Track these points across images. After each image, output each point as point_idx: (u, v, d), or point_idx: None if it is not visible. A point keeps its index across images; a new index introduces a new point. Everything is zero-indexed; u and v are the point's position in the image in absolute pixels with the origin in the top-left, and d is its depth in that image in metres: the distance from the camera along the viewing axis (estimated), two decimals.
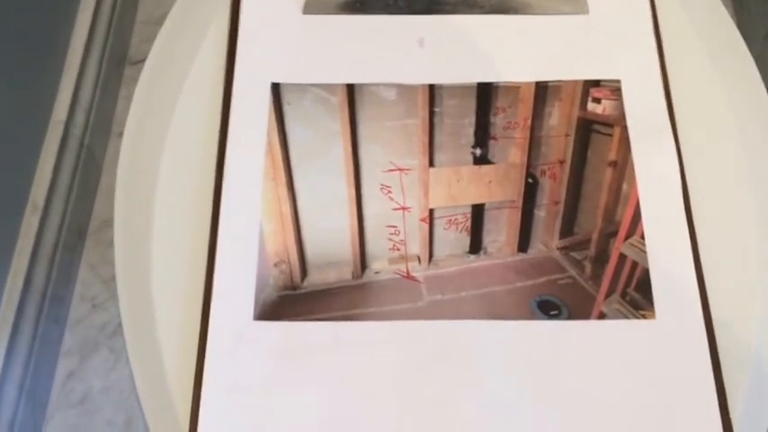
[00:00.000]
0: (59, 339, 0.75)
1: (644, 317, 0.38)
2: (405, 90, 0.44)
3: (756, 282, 0.39)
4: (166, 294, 0.38)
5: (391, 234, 0.41)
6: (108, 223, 0.80)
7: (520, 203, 0.42)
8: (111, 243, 0.81)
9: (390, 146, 0.42)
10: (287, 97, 0.43)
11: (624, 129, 0.42)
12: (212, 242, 0.39)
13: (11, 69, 0.69)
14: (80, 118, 0.79)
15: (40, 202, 0.72)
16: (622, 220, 0.41)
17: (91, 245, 0.79)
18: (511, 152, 0.43)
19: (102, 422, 0.70)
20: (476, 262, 0.40)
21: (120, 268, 0.39)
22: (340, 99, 0.43)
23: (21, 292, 0.68)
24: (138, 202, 0.41)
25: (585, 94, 0.44)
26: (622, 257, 0.40)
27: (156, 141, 0.42)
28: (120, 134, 0.87)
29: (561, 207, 0.42)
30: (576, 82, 0.44)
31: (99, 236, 0.80)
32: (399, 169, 0.42)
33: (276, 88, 0.43)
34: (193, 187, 0.41)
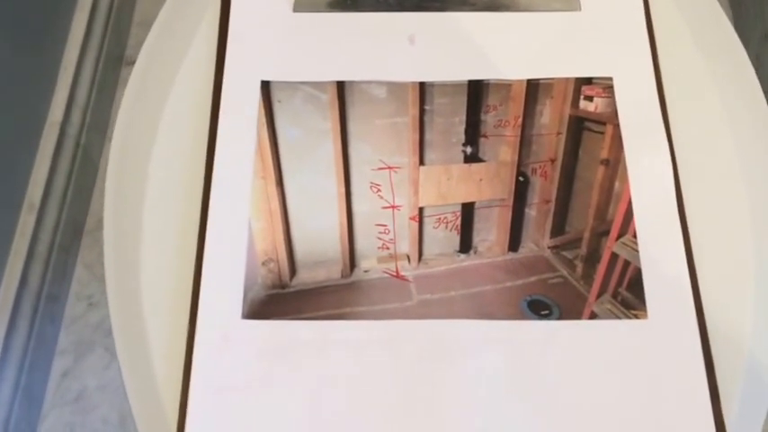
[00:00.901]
0: (55, 338, 0.75)
1: (636, 317, 0.38)
2: (395, 88, 0.43)
3: (750, 281, 0.38)
4: (155, 293, 0.38)
5: (380, 233, 0.40)
6: None
7: (510, 202, 0.41)
8: None
9: (380, 144, 0.42)
10: (277, 95, 0.43)
11: (616, 127, 0.42)
12: (201, 241, 0.39)
13: (7, 69, 0.69)
14: (76, 118, 0.79)
15: (36, 202, 0.72)
16: (614, 219, 0.40)
17: (87, 244, 0.80)
18: (502, 150, 0.43)
19: (97, 420, 0.70)
20: (466, 261, 0.40)
21: (110, 268, 0.39)
22: (330, 97, 0.43)
23: (16, 291, 0.69)
24: (127, 201, 0.41)
25: (577, 91, 0.43)
26: (614, 256, 0.39)
27: (145, 140, 0.42)
28: None
29: (552, 206, 0.41)
30: (567, 79, 0.43)
31: (96, 235, 0.80)
32: (389, 167, 0.42)
33: (266, 86, 0.43)
34: (183, 185, 0.41)
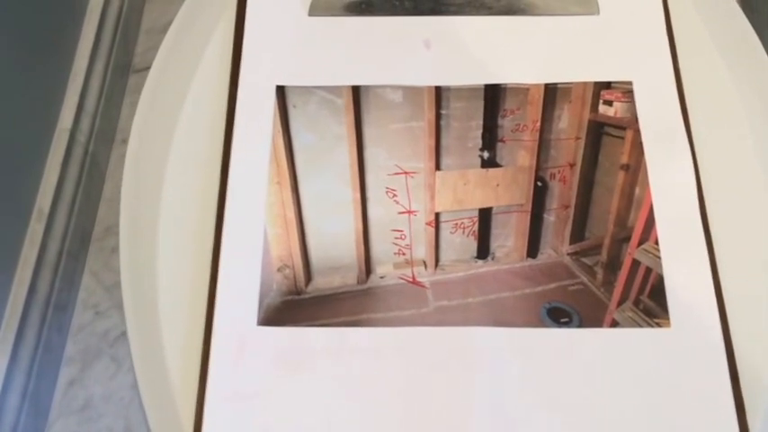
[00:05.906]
0: (62, 347, 0.74)
1: (658, 325, 0.37)
2: (411, 92, 0.43)
3: None
4: (171, 300, 0.38)
5: (396, 238, 0.40)
6: (111, 230, 0.80)
7: (529, 207, 0.41)
8: (113, 250, 0.81)
9: (396, 149, 0.42)
10: (293, 100, 0.43)
11: (637, 131, 0.41)
12: (217, 247, 0.38)
13: (18, 77, 0.70)
14: (85, 125, 0.79)
15: (46, 209, 0.72)
16: (635, 225, 0.40)
17: (94, 252, 0.79)
18: (519, 155, 0.42)
19: (102, 429, 0.70)
20: (483, 267, 0.39)
21: (126, 275, 0.39)
22: (345, 101, 0.43)
23: (25, 300, 0.68)
24: (143, 206, 0.40)
25: (596, 96, 0.43)
26: (635, 263, 0.39)
27: (161, 146, 0.42)
28: (124, 141, 0.87)
29: (571, 211, 0.41)
30: (586, 84, 0.43)
31: (102, 243, 0.80)
32: (405, 172, 0.41)
33: (281, 91, 0.43)
34: (199, 191, 0.41)
